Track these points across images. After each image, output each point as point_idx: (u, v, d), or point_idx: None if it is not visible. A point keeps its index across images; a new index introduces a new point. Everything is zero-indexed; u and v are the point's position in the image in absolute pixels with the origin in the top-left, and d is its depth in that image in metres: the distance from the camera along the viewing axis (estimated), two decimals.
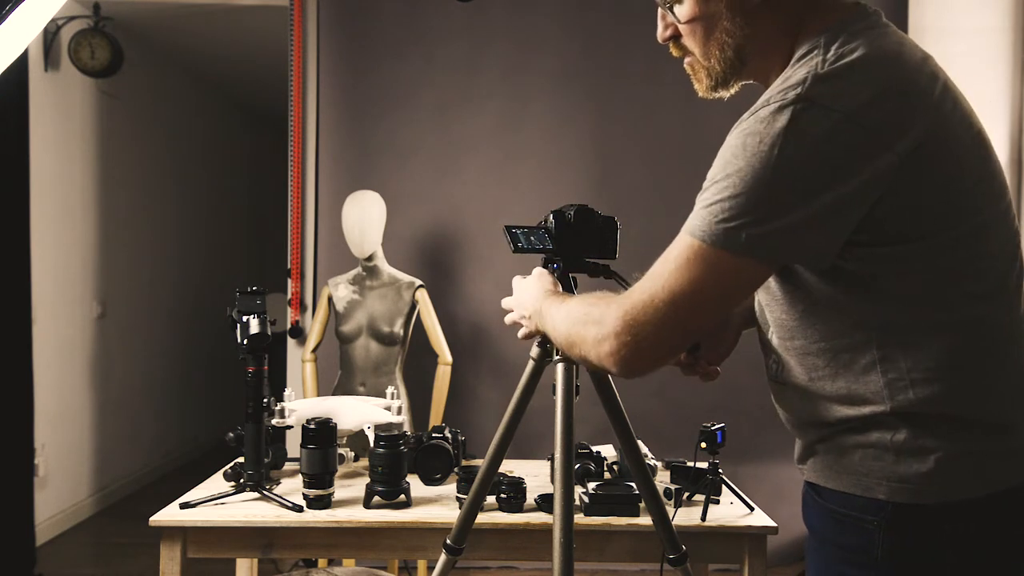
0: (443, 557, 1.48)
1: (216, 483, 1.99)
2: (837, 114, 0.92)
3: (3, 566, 3.22)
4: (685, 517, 1.76)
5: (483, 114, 3.55)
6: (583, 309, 1.10)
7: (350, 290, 3.09)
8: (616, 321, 1.01)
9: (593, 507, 1.76)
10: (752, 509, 1.82)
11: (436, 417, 3.03)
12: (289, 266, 3.66)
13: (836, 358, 1.03)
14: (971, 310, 0.98)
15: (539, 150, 3.55)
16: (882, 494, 1.00)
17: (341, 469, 2.05)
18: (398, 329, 3.02)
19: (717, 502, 1.85)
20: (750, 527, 1.74)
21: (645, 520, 1.69)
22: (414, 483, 1.93)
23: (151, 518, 1.74)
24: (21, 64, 3.35)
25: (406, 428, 2.45)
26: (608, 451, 2.11)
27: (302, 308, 3.66)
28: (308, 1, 3.64)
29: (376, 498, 1.83)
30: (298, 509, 1.77)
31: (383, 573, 2.04)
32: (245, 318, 1.86)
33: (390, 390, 2.37)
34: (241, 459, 1.95)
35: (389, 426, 2.13)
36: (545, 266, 1.38)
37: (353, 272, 3.14)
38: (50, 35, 3.90)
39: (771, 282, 1.06)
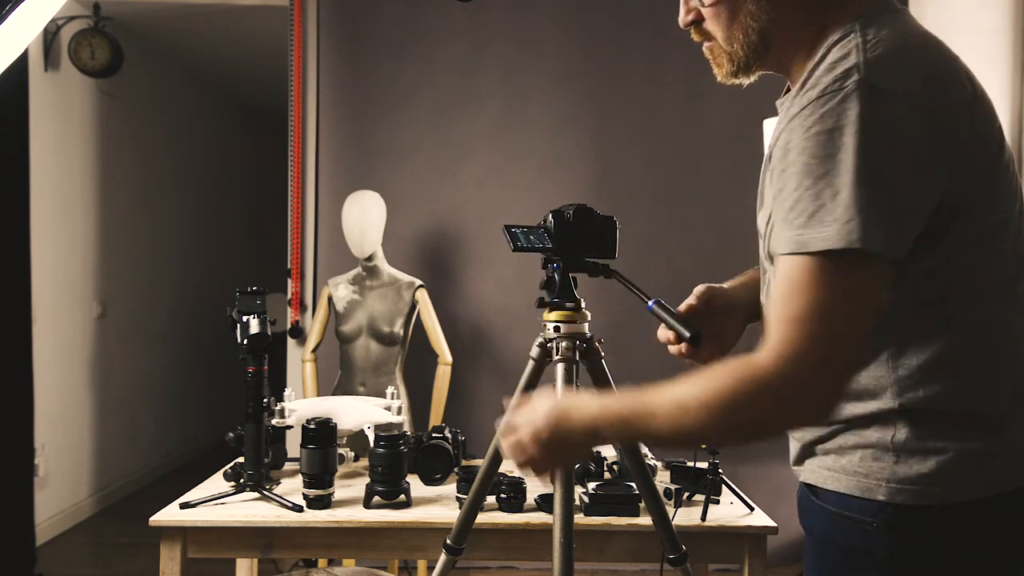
0: (443, 557, 1.48)
1: (216, 483, 1.99)
2: (901, 97, 0.90)
3: (3, 566, 3.22)
4: (685, 517, 1.76)
5: (483, 114, 3.55)
6: (712, 394, 0.94)
7: (350, 290, 3.09)
8: (780, 373, 0.90)
9: (593, 507, 1.76)
10: (752, 509, 1.82)
11: (436, 417, 3.03)
12: (289, 266, 3.66)
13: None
14: (984, 308, 0.98)
15: (539, 150, 3.55)
16: (882, 495, 1.00)
17: (341, 469, 2.05)
18: (398, 329, 3.02)
19: (717, 502, 1.85)
20: (750, 527, 1.74)
21: (645, 520, 1.69)
22: (414, 483, 1.93)
23: (151, 518, 1.74)
24: (21, 64, 3.35)
25: (406, 428, 2.45)
26: (608, 451, 2.10)
27: (302, 308, 3.66)
28: (308, 1, 3.64)
29: (376, 498, 1.83)
30: (298, 509, 1.77)
31: (383, 573, 2.04)
32: (245, 318, 1.86)
33: (390, 390, 2.37)
34: (241, 459, 1.95)
35: (389, 426, 2.13)
36: (545, 266, 1.37)
37: (353, 272, 3.14)
38: (50, 35, 3.90)
39: None
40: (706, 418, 0.95)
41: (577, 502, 1.78)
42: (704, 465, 1.89)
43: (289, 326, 3.66)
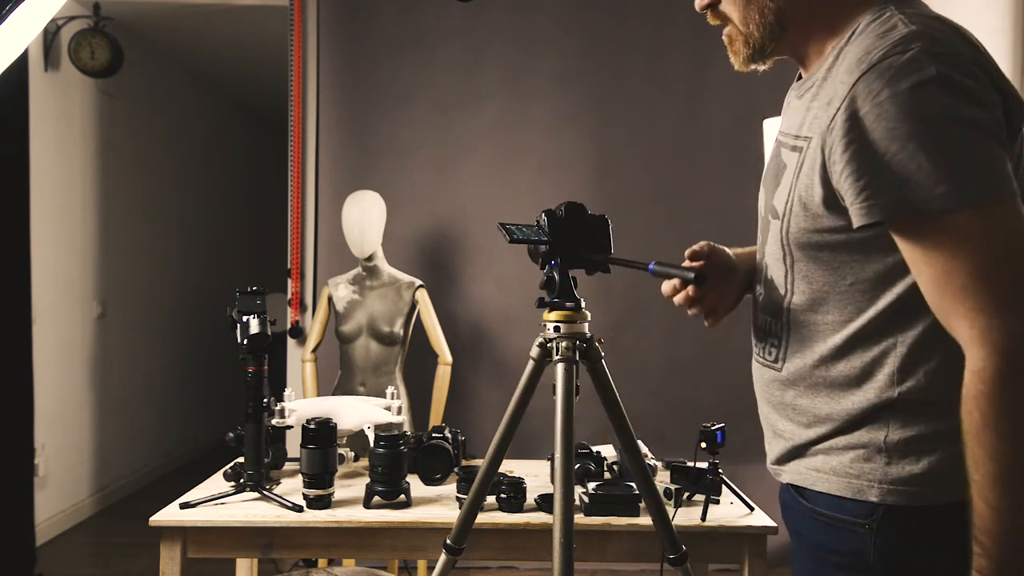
0: (443, 557, 1.48)
1: (216, 483, 1.99)
2: (970, 60, 0.91)
3: (3, 566, 3.22)
4: (685, 517, 1.76)
5: (483, 114, 3.55)
6: (989, 439, 0.85)
7: (350, 290, 3.09)
8: (1002, 354, 0.84)
9: (593, 507, 1.76)
10: (752, 509, 1.82)
11: (436, 417, 3.03)
12: (289, 266, 3.66)
13: (859, 336, 1.00)
14: None
15: (539, 150, 3.55)
16: (874, 496, 0.99)
17: (341, 469, 2.05)
18: (398, 329, 3.02)
19: (717, 502, 1.85)
20: (750, 527, 1.74)
21: (645, 520, 1.69)
22: (414, 483, 1.93)
23: (151, 518, 1.74)
24: (21, 64, 3.35)
25: (406, 428, 2.45)
26: (608, 451, 2.10)
27: (302, 308, 3.66)
28: (308, 1, 3.64)
29: (376, 498, 1.83)
30: (298, 509, 1.77)
31: (383, 573, 2.03)
32: (245, 318, 1.86)
33: (390, 390, 2.37)
34: (241, 459, 1.95)
35: (389, 426, 2.13)
36: (543, 266, 1.37)
37: (353, 272, 3.14)
38: (50, 35, 3.90)
39: (828, 249, 1.00)
40: (1017, 459, 0.84)
41: (577, 502, 1.78)
42: (704, 465, 1.89)
43: (289, 326, 3.66)
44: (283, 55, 3.81)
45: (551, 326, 1.34)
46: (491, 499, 1.80)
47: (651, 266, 1.18)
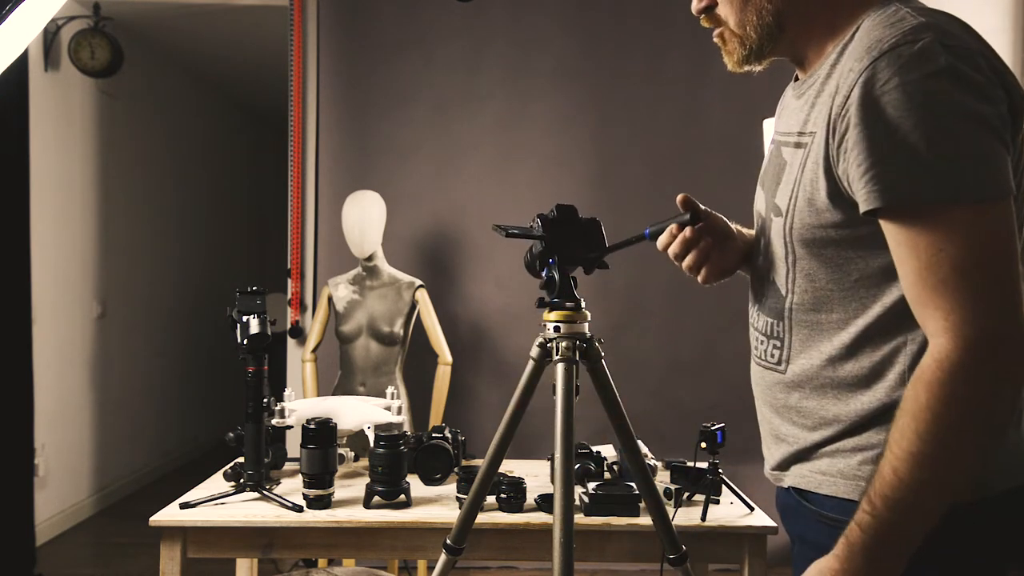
0: (443, 557, 1.48)
1: (216, 483, 1.99)
2: (978, 53, 0.91)
3: (3, 566, 3.22)
4: (685, 517, 1.76)
5: (483, 114, 3.55)
6: (924, 420, 0.87)
7: (350, 290, 3.09)
8: (968, 347, 0.86)
9: (593, 507, 1.76)
10: (752, 509, 1.82)
11: (436, 417, 3.03)
12: (289, 266, 3.66)
13: (867, 335, 1.00)
14: None
15: (539, 150, 3.55)
16: None
17: (341, 469, 2.05)
18: (398, 329, 3.02)
19: (717, 502, 1.85)
20: (750, 527, 1.74)
21: (645, 520, 1.69)
22: (414, 483, 1.93)
23: (151, 518, 1.74)
24: (21, 64, 3.35)
25: (406, 428, 2.45)
26: (608, 451, 2.11)
27: (302, 308, 3.66)
28: (308, 1, 3.64)
29: (376, 498, 1.83)
30: (298, 509, 1.77)
31: (383, 573, 2.04)
32: (245, 318, 1.86)
33: (390, 390, 2.37)
34: (241, 459, 1.95)
35: (389, 426, 2.13)
36: (543, 268, 1.37)
37: (353, 272, 3.14)
38: (50, 35, 3.90)
39: (833, 246, 1.00)
40: (942, 447, 0.87)
41: (577, 502, 1.78)
42: (704, 465, 1.89)
43: (289, 326, 3.66)
44: (283, 55, 3.81)
45: (551, 326, 1.34)
46: (491, 499, 1.80)
47: (646, 231, 1.19)
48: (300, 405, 2.16)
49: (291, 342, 3.71)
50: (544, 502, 1.81)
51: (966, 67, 0.88)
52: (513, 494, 1.79)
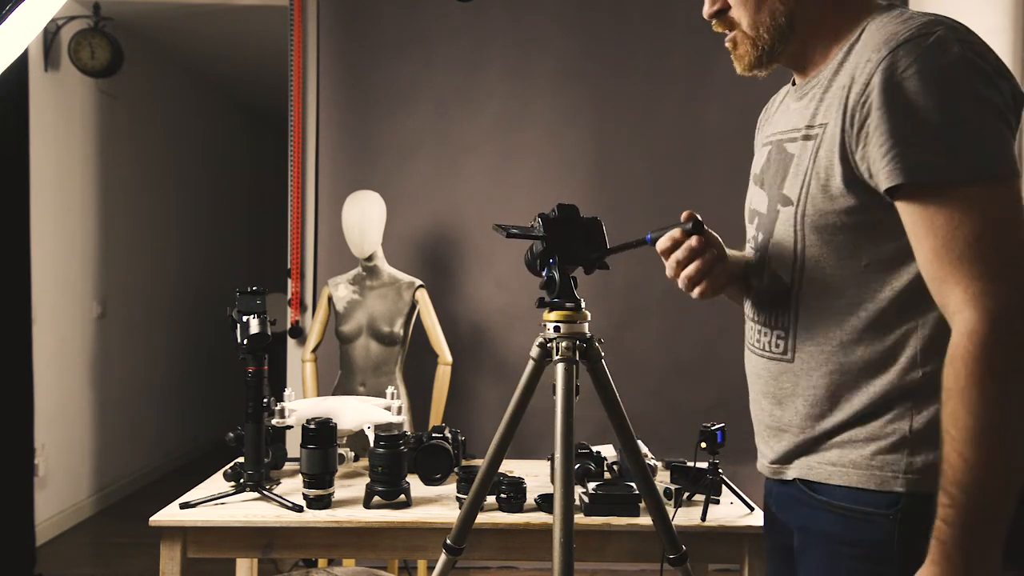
0: (443, 557, 1.48)
1: (216, 483, 1.99)
2: (981, 44, 0.97)
3: (3, 566, 3.22)
4: (685, 517, 1.76)
5: (483, 114, 3.55)
6: (972, 398, 0.88)
7: (350, 290, 3.09)
8: (994, 322, 0.88)
9: (593, 507, 1.76)
10: (752, 509, 1.82)
11: (436, 417, 3.03)
12: (289, 266, 3.66)
13: (878, 319, 1.02)
14: None
15: (539, 150, 3.55)
16: (899, 487, 1.00)
17: (341, 469, 2.05)
18: (398, 329, 3.02)
19: (717, 502, 1.85)
20: (750, 527, 1.74)
21: (645, 520, 1.69)
22: (414, 483, 1.93)
23: (151, 518, 1.74)
24: (21, 64, 3.35)
25: (406, 428, 2.45)
26: (608, 451, 2.11)
27: (302, 308, 3.66)
28: (308, 1, 3.64)
29: (376, 498, 1.83)
30: (298, 509, 1.77)
31: (383, 573, 2.04)
32: (245, 318, 1.86)
33: (390, 390, 2.37)
34: (241, 459, 1.95)
35: (389, 426, 2.13)
36: (543, 267, 1.37)
37: (353, 272, 3.14)
38: (50, 35, 3.90)
39: (844, 231, 1.03)
40: (996, 419, 0.88)
41: (577, 502, 1.78)
42: (704, 465, 1.89)
43: (289, 326, 3.66)
44: (283, 55, 3.81)
45: (551, 326, 1.34)
46: (491, 499, 1.80)
47: (648, 236, 1.18)
48: (300, 405, 2.16)
49: (291, 342, 3.71)
50: (544, 502, 1.81)
51: (977, 57, 0.94)
52: (513, 494, 1.79)
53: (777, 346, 1.13)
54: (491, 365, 3.51)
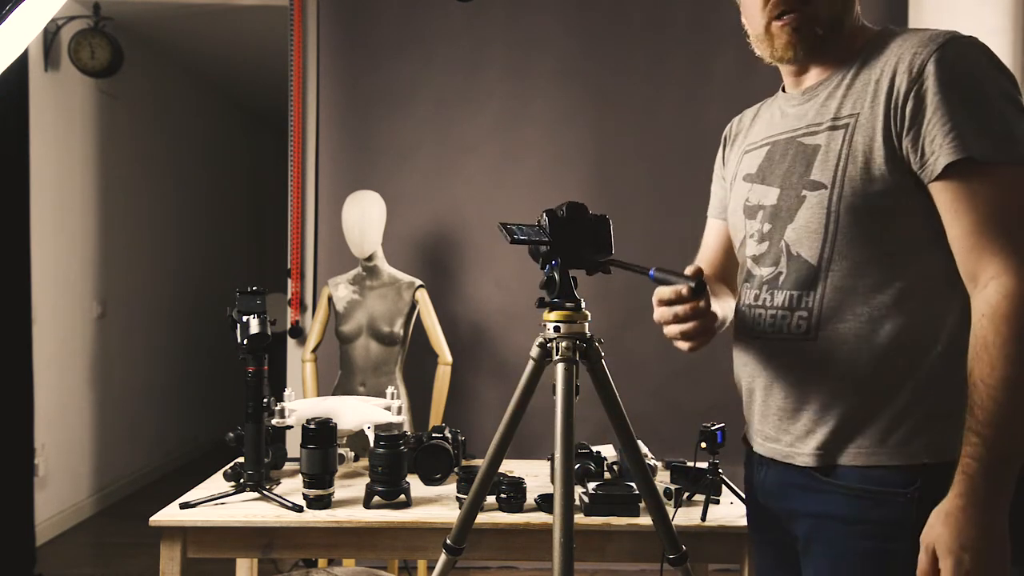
0: (443, 557, 1.48)
1: (216, 483, 1.99)
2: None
3: (3, 566, 3.22)
4: (685, 517, 1.76)
5: (483, 114, 3.55)
6: (1014, 348, 0.98)
7: (350, 290, 3.09)
8: None
9: (593, 507, 1.76)
10: None
11: (436, 417, 3.03)
12: (289, 266, 3.66)
13: (904, 297, 1.09)
14: None
15: (539, 150, 3.55)
16: (926, 458, 1.06)
17: (341, 469, 2.05)
18: (398, 329, 3.02)
19: (717, 502, 1.85)
20: None
21: (645, 520, 1.69)
22: (414, 483, 1.93)
23: (151, 518, 1.74)
24: (21, 64, 3.35)
25: (406, 428, 2.45)
26: (608, 451, 2.11)
27: (302, 308, 3.66)
28: (308, 1, 3.64)
29: (376, 498, 1.83)
30: (298, 509, 1.77)
31: (383, 573, 2.04)
32: (245, 318, 1.86)
33: (390, 390, 2.37)
34: (241, 459, 1.95)
35: (389, 426, 2.13)
36: (544, 266, 1.37)
37: (353, 272, 3.14)
38: (50, 35, 3.90)
39: (881, 213, 1.10)
40: None
41: (577, 502, 1.78)
42: (704, 465, 1.89)
43: (289, 326, 3.66)
44: (283, 55, 3.81)
45: (551, 326, 1.34)
46: (491, 499, 1.80)
47: (651, 272, 1.17)
48: (300, 405, 2.16)
49: (291, 342, 3.71)
50: (544, 502, 1.81)
51: (998, 61, 1.08)
52: (513, 494, 1.79)
53: (799, 327, 1.16)
54: (491, 365, 3.51)
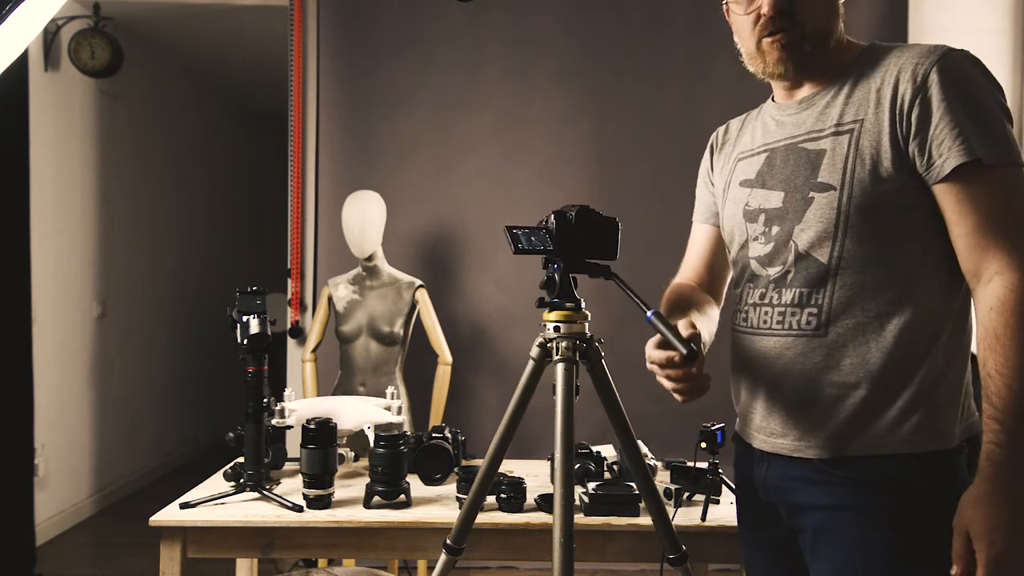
0: (443, 557, 1.48)
1: (216, 483, 1.99)
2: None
3: (3, 566, 3.22)
4: (685, 517, 1.76)
5: (483, 114, 3.55)
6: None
7: (350, 290, 3.09)
8: None
9: (593, 507, 1.76)
10: None
11: (436, 417, 3.03)
12: (289, 266, 3.66)
13: (912, 292, 1.14)
14: None
15: (539, 150, 3.55)
16: (937, 445, 1.13)
17: (341, 469, 2.05)
18: (398, 329, 3.02)
19: (717, 502, 1.85)
20: None
21: (645, 520, 1.69)
22: (414, 483, 1.93)
23: (151, 518, 1.74)
24: (21, 64, 3.35)
25: (406, 428, 2.45)
26: (608, 451, 2.11)
27: (302, 308, 3.66)
28: (308, 1, 3.64)
29: (376, 498, 1.83)
30: (298, 509, 1.77)
31: (383, 573, 2.04)
32: (245, 318, 1.86)
33: (390, 390, 2.37)
34: (241, 459, 1.95)
35: (389, 426, 2.13)
36: (545, 266, 1.37)
37: (353, 272, 3.14)
38: (50, 35, 3.90)
39: (889, 211, 1.14)
40: None
41: (577, 502, 1.79)
42: (704, 465, 1.89)
43: (289, 326, 3.66)
44: (283, 55, 3.81)
45: (551, 326, 1.34)
46: (491, 499, 1.80)
47: (649, 315, 1.17)
48: (300, 405, 2.16)
49: (291, 342, 3.71)
50: (544, 502, 1.81)
51: (989, 72, 1.15)
52: (513, 494, 1.79)
53: (809, 323, 1.19)
54: (491, 365, 3.51)
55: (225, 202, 6.33)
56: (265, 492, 1.85)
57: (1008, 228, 1.07)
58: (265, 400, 1.90)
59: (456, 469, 1.99)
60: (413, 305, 3.06)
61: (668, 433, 2.91)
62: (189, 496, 1.84)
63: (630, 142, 3.54)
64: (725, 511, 1.81)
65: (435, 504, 1.85)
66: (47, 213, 3.84)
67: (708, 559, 1.86)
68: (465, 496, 1.59)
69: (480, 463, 1.47)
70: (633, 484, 1.81)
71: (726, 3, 1.29)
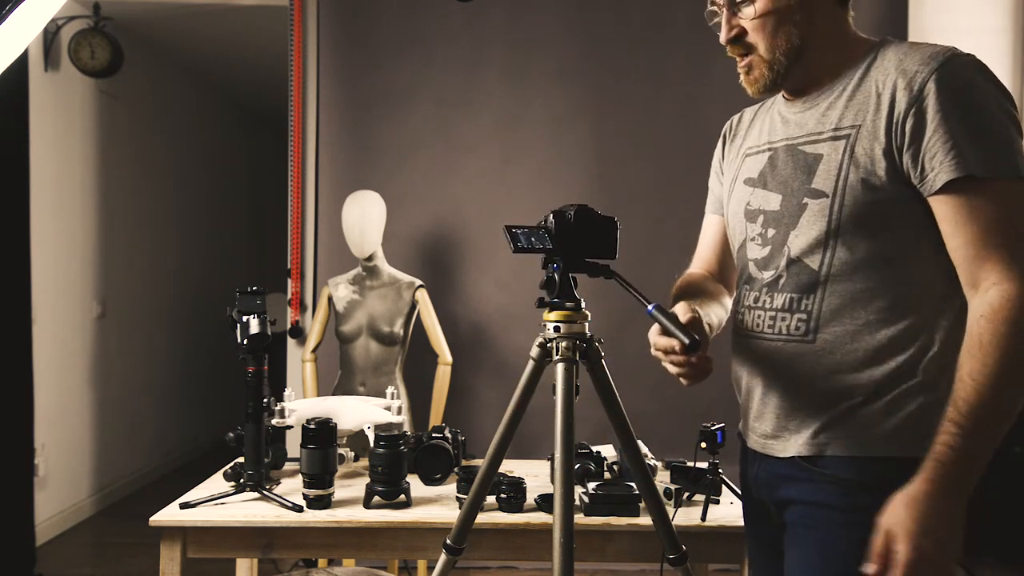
0: (443, 557, 1.48)
1: (216, 483, 1.99)
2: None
3: (3, 566, 3.22)
4: (685, 517, 1.76)
5: (483, 114, 3.55)
6: (1011, 347, 1.02)
7: (350, 290, 3.09)
8: None
9: (593, 507, 1.76)
10: None
11: (436, 417, 3.03)
12: (289, 266, 3.66)
13: (902, 302, 1.13)
14: None
15: (539, 150, 3.55)
16: (918, 452, 1.07)
17: (341, 469, 2.05)
18: (398, 329, 3.02)
19: (717, 502, 1.85)
20: None
21: (645, 520, 1.69)
22: (414, 483, 1.93)
23: (151, 518, 1.74)
24: (21, 64, 3.35)
25: (406, 428, 2.45)
26: (608, 451, 2.11)
27: (302, 308, 3.66)
28: (308, 1, 3.64)
29: (376, 498, 1.83)
30: (298, 509, 1.77)
31: (383, 573, 2.04)
32: (245, 318, 1.86)
33: (390, 390, 2.37)
34: (241, 459, 1.95)
35: (389, 426, 2.13)
36: (545, 266, 1.37)
37: (353, 272, 3.14)
38: (50, 35, 3.90)
39: (882, 220, 1.13)
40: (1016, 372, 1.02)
41: (577, 502, 1.78)
42: (704, 465, 1.89)
43: (289, 326, 3.66)
44: (283, 55, 3.81)
45: (551, 326, 1.34)
46: (491, 499, 1.80)
47: (650, 308, 1.19)
48: (300, 405, 2.16)
49: (291, 342, 3.71)
50: (544, 502, 1.81)
51: (997, 80, 1.11)
52: (513, 494, 1.79)
53: (798, 328, 1.19)
54: (491, 365, 3.51)
55: (225, 202, 6.33)
56: (265, 492, 1.85)
57: (1008, 240, 1.05)
58: (265, 400, 1.90)
59: (456, 469, 1.99)
60: (413, 305, 3.06)
61: (668, 433, 2.91)
62: (189, 496, 1.84)
63: (630, 142, 3.54)
64: (725, 511, 1.81)
65: (435, 504, 1.85)
66: (47, 213, 3.84)
67: (708, 559, 1.87)
68: (465, 496, 1.59)
69: (480, 463, 1.47)
70: (633, 484, 1.81)
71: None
